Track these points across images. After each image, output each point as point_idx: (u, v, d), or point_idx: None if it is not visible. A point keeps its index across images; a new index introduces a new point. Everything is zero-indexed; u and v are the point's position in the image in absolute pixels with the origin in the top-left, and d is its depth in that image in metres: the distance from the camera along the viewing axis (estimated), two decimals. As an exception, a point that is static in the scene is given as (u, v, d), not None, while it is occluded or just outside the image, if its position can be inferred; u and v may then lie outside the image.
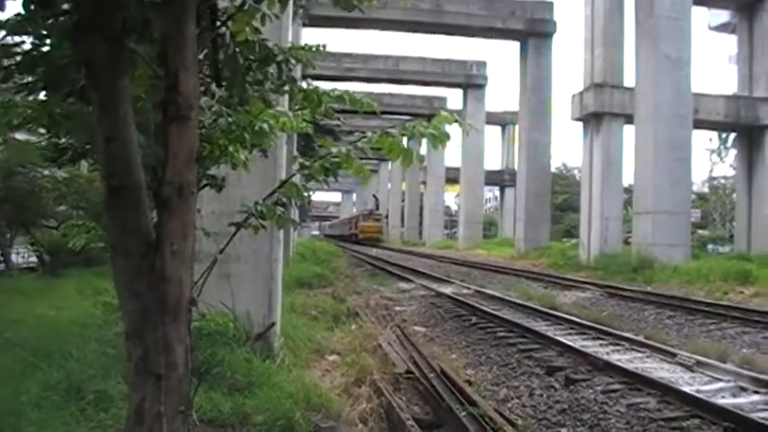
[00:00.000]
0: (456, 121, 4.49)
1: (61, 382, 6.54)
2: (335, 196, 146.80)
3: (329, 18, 40.73)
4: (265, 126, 4.52)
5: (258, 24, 4.34)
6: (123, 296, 3.60)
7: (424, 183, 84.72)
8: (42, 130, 5.07)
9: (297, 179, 4.87)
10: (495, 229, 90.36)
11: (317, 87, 5.52)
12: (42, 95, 4.41)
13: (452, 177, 76.49)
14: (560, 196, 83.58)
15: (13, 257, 24.38)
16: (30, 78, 4.19)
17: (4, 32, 3.87)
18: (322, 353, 10.74)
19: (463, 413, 7.55)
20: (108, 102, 3.47)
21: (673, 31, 31.15)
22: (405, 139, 4.51)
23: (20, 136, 16.33)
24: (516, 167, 55.04)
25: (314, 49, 5.43)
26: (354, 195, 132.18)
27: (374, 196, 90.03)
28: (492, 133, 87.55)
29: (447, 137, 4.45)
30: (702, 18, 48.18)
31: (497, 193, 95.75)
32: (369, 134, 4.51)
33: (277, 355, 8.77)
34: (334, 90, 5.39)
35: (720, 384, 9.71)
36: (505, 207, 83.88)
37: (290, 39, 9.85)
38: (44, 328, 9.48)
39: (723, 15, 46.33)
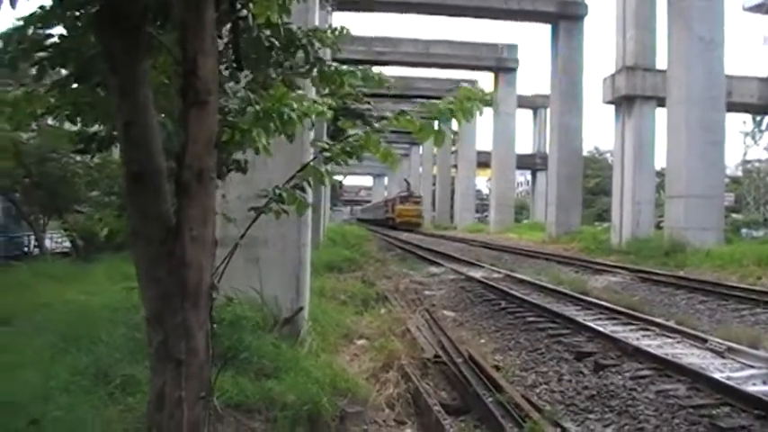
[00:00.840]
0: (482, 97, 4.43)
1: (90, 367, 6.56)
2: (367, 180, 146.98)
3: (358, 2, 40.73)
4: (293, 115, 4.48)
5: (292, 6, 4.33)
6: (144, 282, 3.61)
7: (455, 166, 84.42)
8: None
9: (320, 162, 4.82)
10: (526, 213, 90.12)
11: (335, 67, 5.47)
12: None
13: (484, 161, 76.27)
14: (592, 180, 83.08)
15: (47, 242, 24.66)
16: (63, 72, 4.21)
17: (32, 27, 3.88)
18: (350, 337, 10.75)
19: (490, 399, 7.54)
20: (127, 87, 3.48)
21: (706, 12, 30.71)
22: (436, 122, 4.49)
23: (52, 121, 16.42)
24: (548, 151, 54.75)
25: (337, 32, 5.42)
26: (386, 179, 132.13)
27: (405, 180, 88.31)
28: (523, 117, 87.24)
29: (469, 111, 4.40)
30: (737, -1, 47.66)
31: (529, 176, 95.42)
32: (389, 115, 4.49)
33: (305, 340, 8.77)
34: (353, 70, 5.34)
35: (752, 371, 9.57)
36: (537, 191, 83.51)
37: (316, 22, 9.80)
38: (74, 312, 9.56)
39: (758, -4, 45.79)
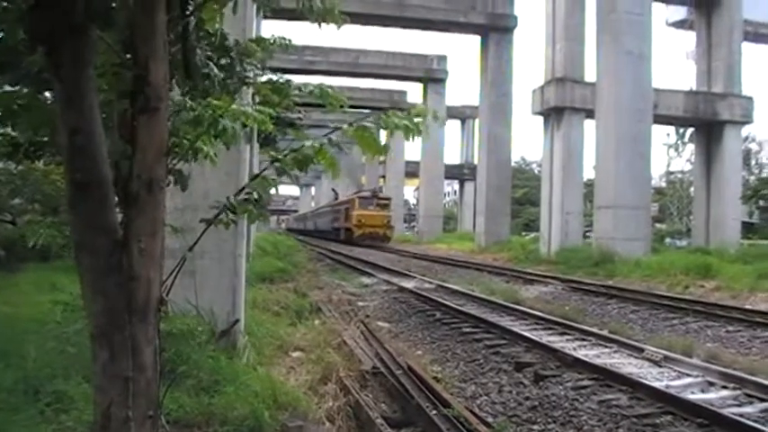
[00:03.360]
0: (435, 115, 4.42)
1: (18, 383, 6.29)
2: (293, 190, 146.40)
3: (289, 10, 40.51)
4: (228, 124, 4.35)
5: (229, 12, 4.20)
6: (89, 296, 3.43)
7: (384, 177, 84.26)
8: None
9: (267, 172, 4.71)
10: (454, 223, 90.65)
11: (287, 80, 5.40)
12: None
13: (412, 171, 76.77)
14: (519, 190, 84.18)
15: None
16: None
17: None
18: (286, 349, 10.57)
19: (434, 412, 7.45)
20: (73, 93, 3.29)
21: (634, 26, 31.43)
22: (382, 132, 4.44)
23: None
24: (476, 161, 55.26)
25: (279, 42, 5.32)
26: (313, 189, 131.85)
27: (333, 190, 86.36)
28: (452, 127, 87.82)
29: (419, 130, 4.35)
30: (661, 14, 48.74)
31: (456, 186, 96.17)
32: (331, 127, 4.43)
33: (242, 353, 8.61)
34: (305, 84, 5.27)
35: (689, 380, 9.73)
36: (465, 201, 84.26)
37: (254, 32, 9.66)
38: (-1, 326, 9.20)
39: (681, 12, 46.78)
